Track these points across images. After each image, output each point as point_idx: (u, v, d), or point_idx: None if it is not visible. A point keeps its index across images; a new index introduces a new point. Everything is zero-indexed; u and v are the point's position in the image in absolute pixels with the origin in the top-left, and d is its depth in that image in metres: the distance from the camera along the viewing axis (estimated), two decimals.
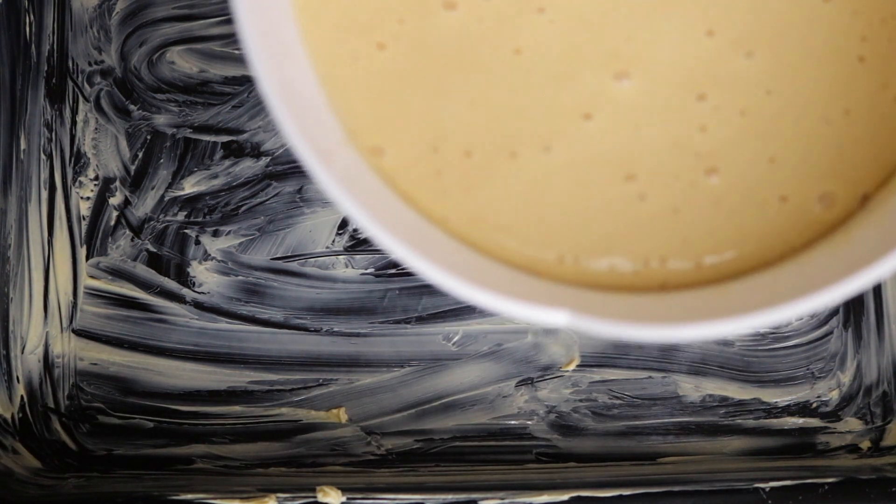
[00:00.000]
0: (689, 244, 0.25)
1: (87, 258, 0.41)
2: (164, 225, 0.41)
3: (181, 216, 0.41)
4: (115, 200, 0.41)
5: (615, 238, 0.25)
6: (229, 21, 0.42)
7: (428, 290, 0.40)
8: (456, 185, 0.26)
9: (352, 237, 0.41)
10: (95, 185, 0.41)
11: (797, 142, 0.24)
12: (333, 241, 0.41)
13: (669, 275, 0.25)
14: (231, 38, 0.42)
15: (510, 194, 0.26)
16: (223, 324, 0.40)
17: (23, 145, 0.40)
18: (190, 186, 0.41)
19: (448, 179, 0.26)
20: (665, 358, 0.40)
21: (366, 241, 0.41)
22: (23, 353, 0.39)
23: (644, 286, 0.25)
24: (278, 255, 0.41)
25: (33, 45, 0.41)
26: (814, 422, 0.40)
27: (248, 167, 0.41)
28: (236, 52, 0.42)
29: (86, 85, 0.42)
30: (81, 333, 0.40)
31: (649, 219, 0.25)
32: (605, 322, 0.23)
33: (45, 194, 0.41)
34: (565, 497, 0.34)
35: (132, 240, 0.41)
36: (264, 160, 0.41)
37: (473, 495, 0.34)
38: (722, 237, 0.25)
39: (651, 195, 0.25)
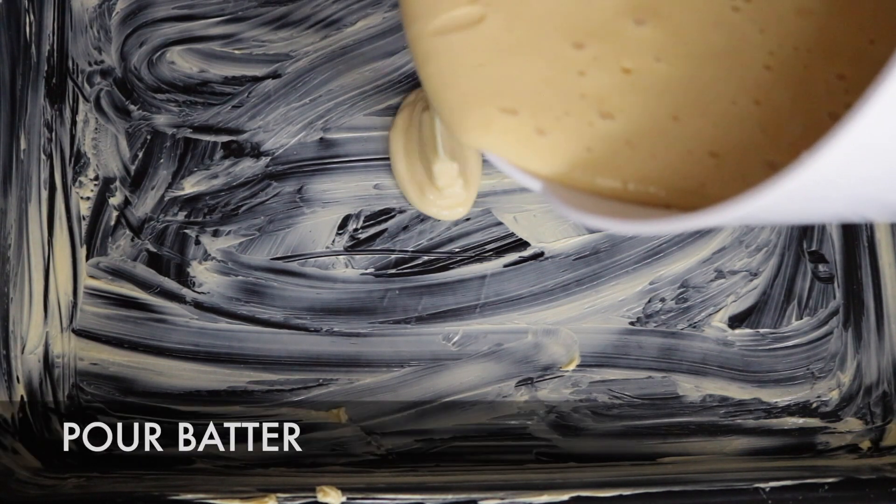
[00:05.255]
0: (629, 178, 0.24)
1: (87, 258, 0.41)
2: (164, 225, 0.41)
3: (181, 216, 0.41)
4: (115, 200, 0.41)
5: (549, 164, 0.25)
6: (229, 21, 0.43)
7: (428, 290, 0.40)
8: None
9: (352, 237, 0.41)
10: (95, 185, 0.41)
11: (703, 112, 0.24)
12: (333, 241, 0.41)
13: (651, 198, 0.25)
14: (231, 38, 0.42)
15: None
16: (223, 324, 0.40)
17: (23, 145, 0.40)
18: (190, 186, 0.41)
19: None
20: (665, 358, 0.40)
21: (366, 241, 0.41)
22: (23, 353, 0.39)
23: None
24: (278, 255, 0.41)
25: (33, 45, 0.41)
26: (814, 422, 0.40)
27: (248, 167, 0.41)
28: (236, 52, 0.42)
29: (86, 85, 0.42)
30: (81, 333, 0.40)
31: (561, 152, 0.25)
32: (566, 205, 0.24)
33: (45, 194, 0.41)
34: (565, 497, 0.34)
35: (132, 240, 0.41)
36: (264, 160, 0.41)
37: (473, 495, 0.34)
38: (660, 176, 0.24)
39: (549, 130, 0.25)
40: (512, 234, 0.41)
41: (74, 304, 0.40)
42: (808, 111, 0.23)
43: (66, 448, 0.39)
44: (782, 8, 0.24)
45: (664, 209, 0.23)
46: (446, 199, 0.41)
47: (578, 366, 0.40)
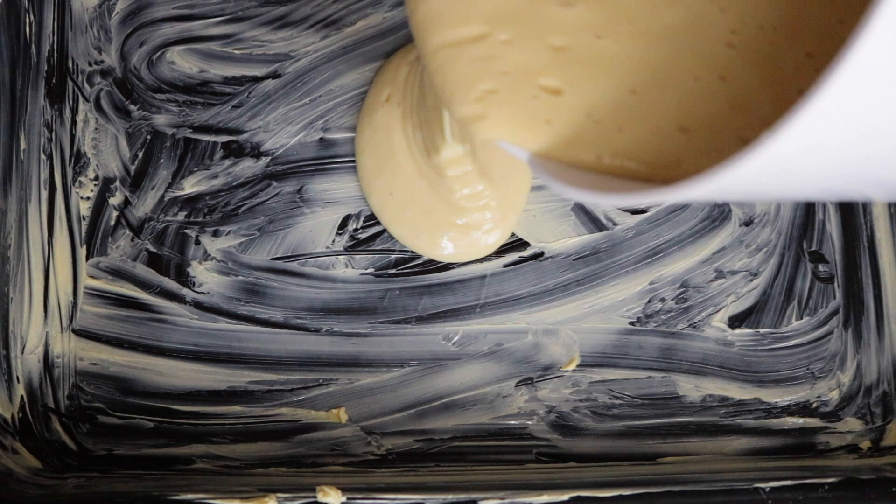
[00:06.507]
0: (610, 151, 0.25)
1: (87, 258, 0.41)
2: (164, 225, 0.41)
3: (181, 216, 0.41)
4: (115, 200, 0.41)
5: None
6: (229, 21, 0.43)
7: (428, 290, 0.40)
8: None
9: (352, 237, 0.41)
10: (95, 185, 0.41)
11: (663, 86, 0.24)
12: (333, 241, 0.41)
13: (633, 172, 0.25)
14: (231, 38, 0.42)
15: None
16: (223, 324, 0.40)
17: (23, 145, 0.40)
18: (190, 186, 0.41)
19: None
20: (665, 358, 0.40)
21: (366, 241, 0.41)
22: (23, 353, 0.39)
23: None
24: (278, 255, 0.41)
25: (33, 45, 0.41)
26: (814, 422, 0.40)
27: (248, 167, 0.41)
28: (236, 52, 0.42)
29: (86, 85, 0.42)
30: (81, 333, 0.40)
31: (509, 124, 0.25)
32: (548, 175, 0.24)
33: (45, 194, 0.41)
34: (565, 497, 0.34)
35: (132, 240, 0.41)
36: (264, 160, 0.41)
37: (473, 495, 0.34)
38: (632, 150, 0.24)
39: (489, 112, 0.25)
40: (512, 234, 0.41)
41: (74, 304, 0.40)
42: (777, 88, 0.23)
43: (67, 447, 0.39)
44: None
45: (645, 183, 0.24)
46: (471, 219, 0.40)
47: (578, 366, 0.40)
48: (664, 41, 0.25)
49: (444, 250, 0.40)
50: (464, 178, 0.39)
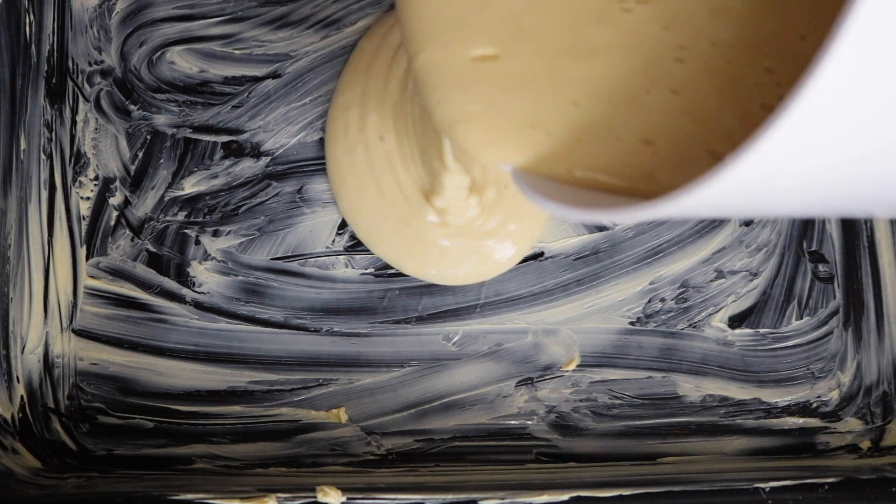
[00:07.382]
0: (578, 164, 0.25)
1: (87, 258, 0.41)
2: (164, 225, 0.41)
3: (181, 216, 0.41)
4: (115, 200, 0.41)
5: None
6: (229, 21, 0.43)
7: (428, 290, 0.40)
8: None
9: (352, 237, 0.41)
10: (95, 185, 0.41)
11: (609, 99, 0.24)
12: (333, 241, 0.41)
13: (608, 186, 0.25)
14: (231, 38, 0.42)
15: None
16: (223, 324, 0.40)
17: (23, 145, 0.40)
18: (190, 186, 0.41)
19: None
20: (665, 358, 0.40)
21: None
22: (23, 353, 0.39)
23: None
24: (278, 255, 0.41)
25: (33, 45, 0.41)
26: (814, 422, 0.40)
27: (248, 167, 0.41)
28: (236, 52, 0.42)
29: (86, 85, 0.42)
30: (81, 333, 0.40)
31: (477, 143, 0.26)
32: (530, 190, 0.24)
33: (45, 194, 0.41)
34: (565, 497, 0.34)
35: (132, 240, 0.41)
36: (264, 160, 0.41)
37: (473, 495, 0.34)
38: (599, 163, 0.24)
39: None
40: None
41: (74, 304, 0.40)
42: (739, 102, 0.23)
43: (67, 447, 0.39)
44: (692, 6, 0.24)
45: (626, 197, 0.23)
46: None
47: (578, 366, 0.40)
48: (592, 57, 0.24)
49: (444, 276, 0.40)
50: (497, 230, 0.39)
